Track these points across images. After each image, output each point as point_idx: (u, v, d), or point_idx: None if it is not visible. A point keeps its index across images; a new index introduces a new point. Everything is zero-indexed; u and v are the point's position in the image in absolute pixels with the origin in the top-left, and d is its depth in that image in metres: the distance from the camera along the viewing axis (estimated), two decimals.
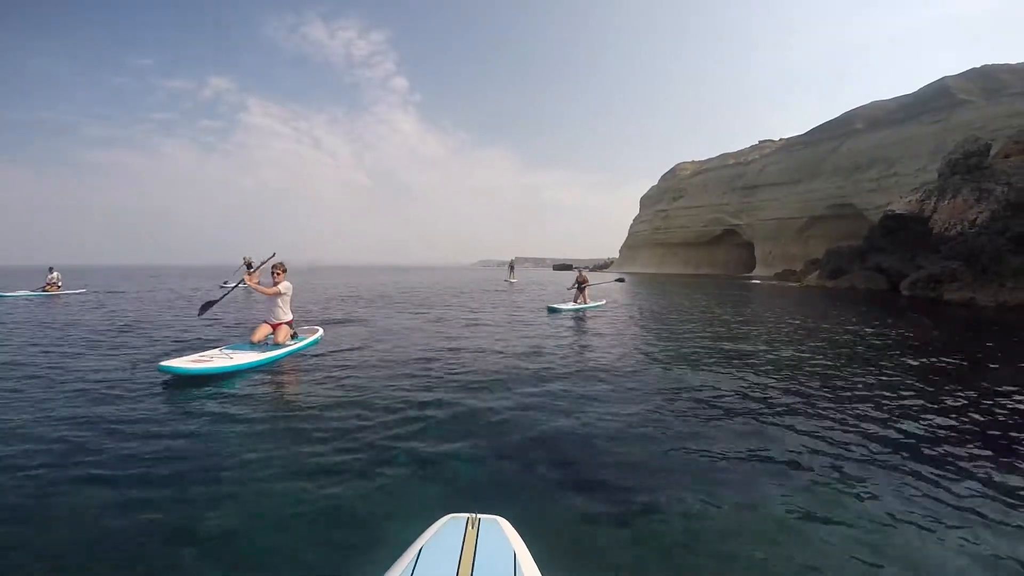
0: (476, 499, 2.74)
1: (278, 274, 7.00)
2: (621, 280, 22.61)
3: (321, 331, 8.17)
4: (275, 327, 6.96)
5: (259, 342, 6.64)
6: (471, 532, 1.65)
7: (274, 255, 7.14)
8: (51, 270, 18.03)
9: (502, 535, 1.66)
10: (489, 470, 3.16)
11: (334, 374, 5.76)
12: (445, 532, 1.68)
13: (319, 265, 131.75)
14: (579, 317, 12.42)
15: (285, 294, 6.96)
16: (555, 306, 13.84)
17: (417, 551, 1.56)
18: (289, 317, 7.14)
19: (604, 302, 15.85)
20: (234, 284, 21.64)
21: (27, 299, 15.47)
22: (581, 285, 14.86)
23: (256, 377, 5.60)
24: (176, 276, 41.51)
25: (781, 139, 74.61)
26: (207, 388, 4.98)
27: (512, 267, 35.53)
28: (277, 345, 6.71)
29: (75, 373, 5.60)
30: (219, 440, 3.65)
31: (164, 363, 5.22)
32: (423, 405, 4.54)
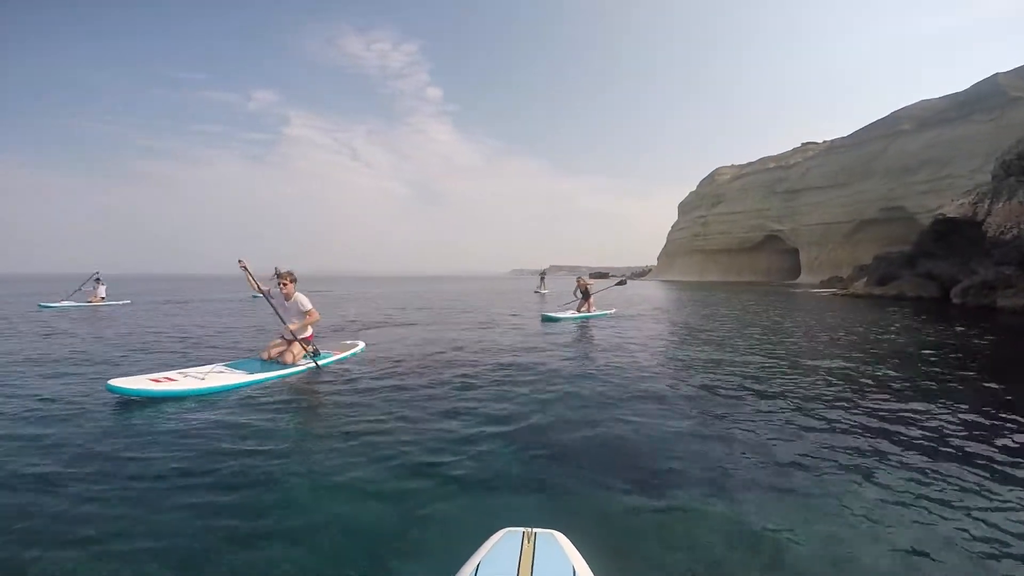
0: (530, 513, 2.65)
1: (285, 284, 6.14)
2: (623, 283, 20.30)
3: (362, 344, 7.59)
4: (288, 344, 6.11)
5: (270, 360, 5.98)
6: (527, 546, 1.64)
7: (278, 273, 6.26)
8: (98, 281, 17.53)
9: (560, 550, 1.64)
10: (542, 483, 3.05)
11: (373, 385, 5.47)
12: (501, 546, 1.66)
13: (352, 276, 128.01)
14: (585, 326, 11.46)
15: (305, 308, 6.15)
16: (553, 315, 12.47)
17: (475, 566, 1.55)
18: (307, 333, 6.26)
19: (614, 310, 14.94)
20: (265, 291, 22.28)
21: (74, 308, 15.35)
22: (585, 292, 13.88)
23: (291, 391, 5.24)
24: (217, 286, 40.48)
25: (825, 141, 72.60)
26: (191, 410, 4.37)
27: (543, 277, 33.87)
28: (283, 365, 5.86)
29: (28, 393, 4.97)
30: (263, 452, 3.46)
31: (114, 382, 4.54)
32: (466, 416, 4.40)
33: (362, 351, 7.33)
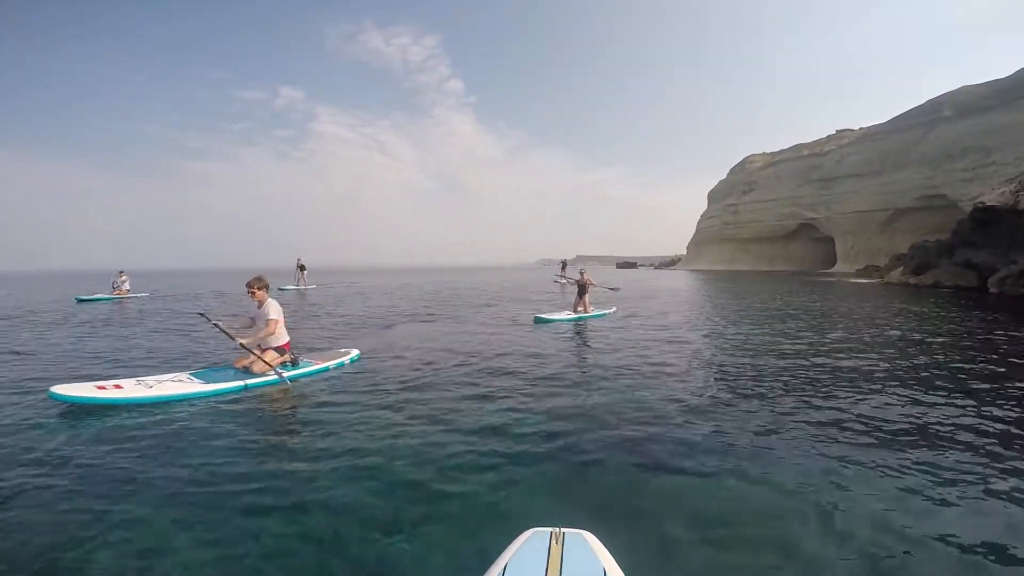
0: (558, 513, 2.61)
1: (254, 292, 5.66)
2: (616, 290, 17.76)
3: (356, 352, 6.92)
4: (261, 352, 5.63)
5: (242, 369, 5.62)
6: (556, 547, 1.62)
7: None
8: (120, 274, 19.28)
9: (589, 550, 1.63)
10: (569, 482, 3.01)
11: (385, 387, 5.39)
12: (529, 546, 1.65)
13: (381, 268, 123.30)
14: (580, 330, 10.33)
15: (275, 319, 5.64)
16: (544, 316, 11.55)
17: (503, 566, 1.54)
18: (281, 341, 5.81)
19: (615, 309, 13.63)
20: (293, 286, 23.74)
21: (105, 301, 17.01)
22: (582, 289, 12.50)
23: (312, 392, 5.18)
24: (241, 279, 40.27)
25: (860, 128, 71.31)
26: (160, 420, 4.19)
27: (564, 267, 32.41)
28: (252, 374, 5.45)
29: None
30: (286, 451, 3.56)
31: (56, 389, 4.43)
32: (486, 413, 4.39)
33: (353, 360, 6.66)
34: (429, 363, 6.69)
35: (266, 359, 5.59)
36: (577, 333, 9.97)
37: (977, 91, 52.46)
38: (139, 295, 19.32)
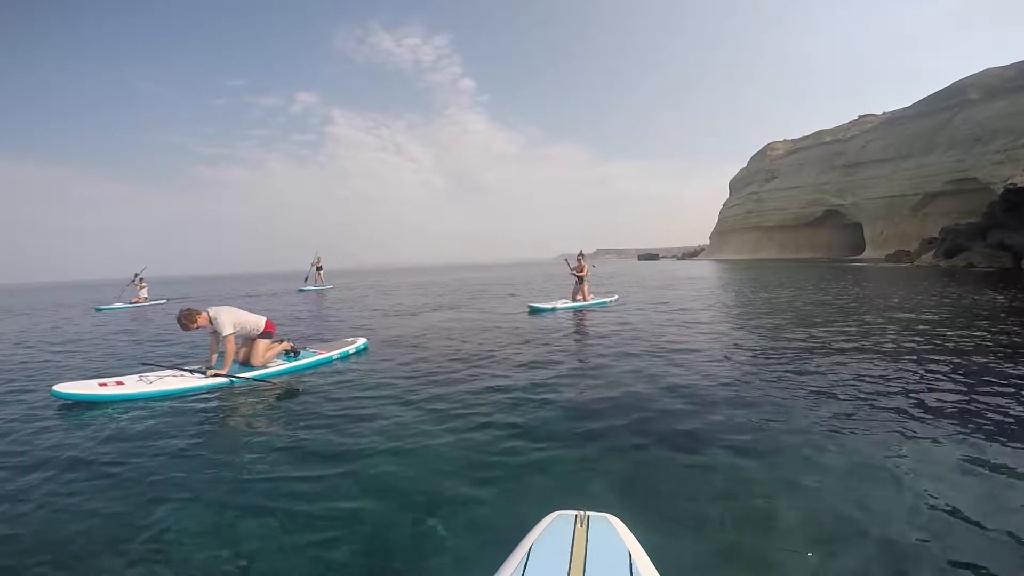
0: (582, 495, 2.59)
1: (191, 326, 5.17)
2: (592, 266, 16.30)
3: (364, 340, 6.87)
4: (251, 342, 5.47)
5: (243, 362, 5.55)
6: (580, 529, 1.63)
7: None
8: (142, 281, 18.72)
9: (614, 533, 1.63)
10: (591, 466, 2.97)
11: (396, 375, 5.39)
12: (554, 529, 1.65)
13: (402, 267, 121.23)
14: (581, 319, 9.97)
15: (230, 331, 5.16)
16: (538, 305, 11.27)
17: (527, 549, 1.55)
18: (254, 331, 5.50)
19: (616, 297, 13.39)
20: (312, 287, 23.07)
21: (124, 310, 16.79)
22: (580, 277, 12.03)
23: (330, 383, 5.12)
24: (261, 283, 39.43)
25: (884, 113, 70.75)
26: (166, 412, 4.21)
27: (581, 257, 32.41)
28: (251, 367, 5.40)
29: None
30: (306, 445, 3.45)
31: (59, 387, 4.49)
32: (502, 401, 4.34)
33: (360, 350, 6.65)
34: (437, 352, 6.68)
35: (259, 350, 5.52)
36: (579, 321, 9.69)
37: (1004, 73, 51.92)
38: (157, 302, 18.95)
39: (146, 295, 18.75)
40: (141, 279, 18.90)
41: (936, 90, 59.22)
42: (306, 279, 23.09)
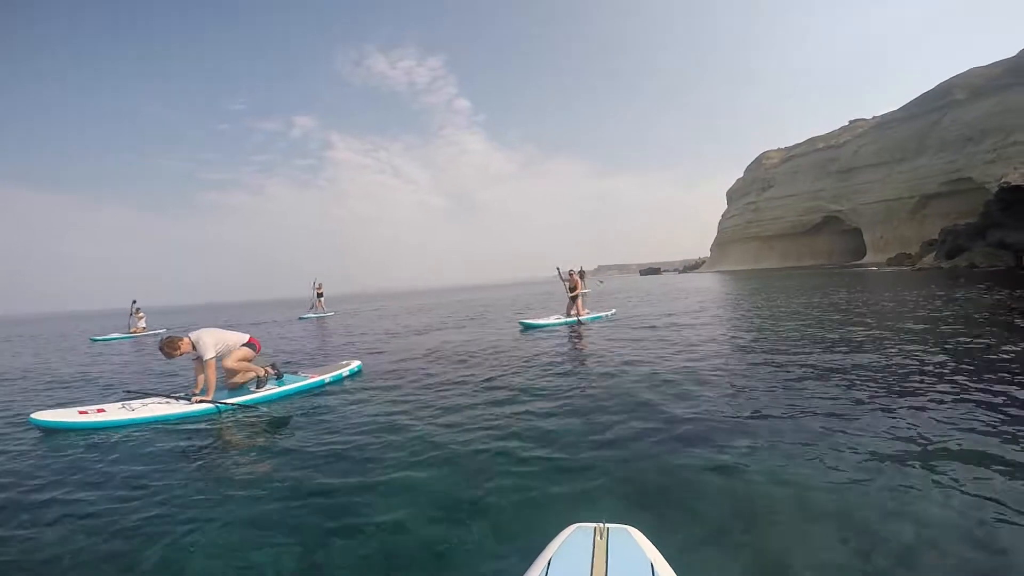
0: (600, 508, 2.53)
1: (174, 353, 5.00)
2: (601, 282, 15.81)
3: (358, 363, 6.70)
4: (234, 363, 5.41)
5: (230, 387, 5.50)
6: (600, 542, 1.61)
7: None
8: (137, 310, 18.28)
9: (634, 544, 1.61)
10: (609, 477, 2.92)
11: (395, 394, 5.29)
12: (573, 542, 1.63)
13: (404, 291, 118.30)
14: (577, 333, 9.66)
15: (211, 355, 5.08)
16: (531, 322, 11.00)
17: (547, 562, 1.53)
18: (233, 348, 5.37)
19: (614, 311, 13.04)
20: (312, 314, 22.50)
21: (120, 340, 16.08)
22: (573, 292, 11.77)
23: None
24: (263, 311, 38.15)
25: (874, 117, 71.76)
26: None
27: (582, 275, 30.78)
28: (236, 392, 5.33)
29: None
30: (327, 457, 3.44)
31: (37, 415, 4.47)
32: (504, 417, 4.20)
33: (354, 372, 6.43)
34: (433, 372, 6.53)
35: (239, 373, 5.49)
36: (576, 336, 9.34)
37: (988, 72, 52.80)
38: (156, 331, 18.08)
39: (144, 325, 18.25)
40: (138, 308, 18.40)
41: (923, 92, 60.25)
42: (311, 307, 22.63)
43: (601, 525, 1.71)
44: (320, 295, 22.83)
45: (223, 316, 32.92)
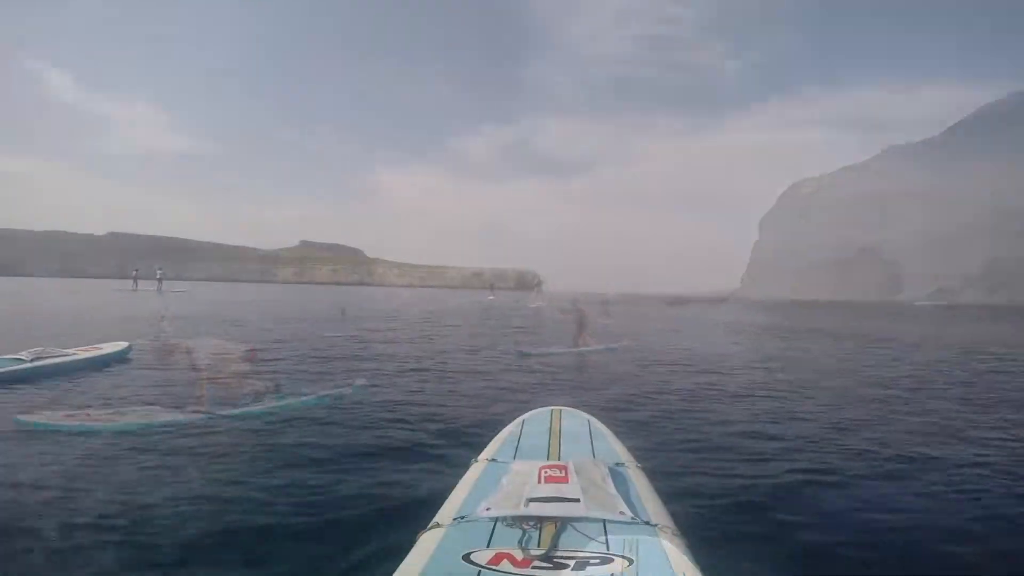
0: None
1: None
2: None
3: (363, 380, 6.61)
4: (232, 372, 5.49)
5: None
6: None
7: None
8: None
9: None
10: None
11: (390, 414, 4.99)
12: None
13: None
14: (585, 361, 9.07)
15: (204, 365, 5.22)
16: (529, 351, 12.81)
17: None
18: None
19: (625, 342, 14.12)
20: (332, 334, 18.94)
21: None
22: (580, 323, 10.95)
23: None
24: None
25: (908, 143, 69.43)
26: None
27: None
28: (228, 404, 5.34)
29: None
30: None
31: (24, 416, 4.57)
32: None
33: (356, 390, 6.06)
34: (432, 389, 6.29)
35: (237, 384, 5.42)
36: (584, 363, 8.79)
37: None
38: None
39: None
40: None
41: (961, 118, 58.01)
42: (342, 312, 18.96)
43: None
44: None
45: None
